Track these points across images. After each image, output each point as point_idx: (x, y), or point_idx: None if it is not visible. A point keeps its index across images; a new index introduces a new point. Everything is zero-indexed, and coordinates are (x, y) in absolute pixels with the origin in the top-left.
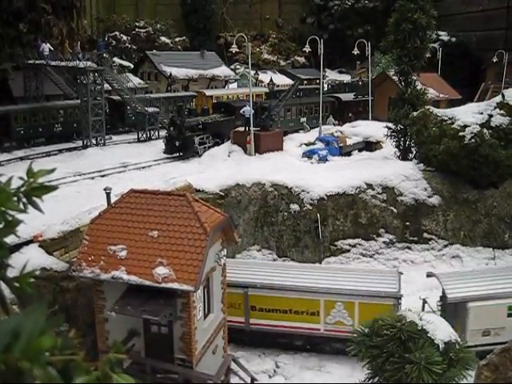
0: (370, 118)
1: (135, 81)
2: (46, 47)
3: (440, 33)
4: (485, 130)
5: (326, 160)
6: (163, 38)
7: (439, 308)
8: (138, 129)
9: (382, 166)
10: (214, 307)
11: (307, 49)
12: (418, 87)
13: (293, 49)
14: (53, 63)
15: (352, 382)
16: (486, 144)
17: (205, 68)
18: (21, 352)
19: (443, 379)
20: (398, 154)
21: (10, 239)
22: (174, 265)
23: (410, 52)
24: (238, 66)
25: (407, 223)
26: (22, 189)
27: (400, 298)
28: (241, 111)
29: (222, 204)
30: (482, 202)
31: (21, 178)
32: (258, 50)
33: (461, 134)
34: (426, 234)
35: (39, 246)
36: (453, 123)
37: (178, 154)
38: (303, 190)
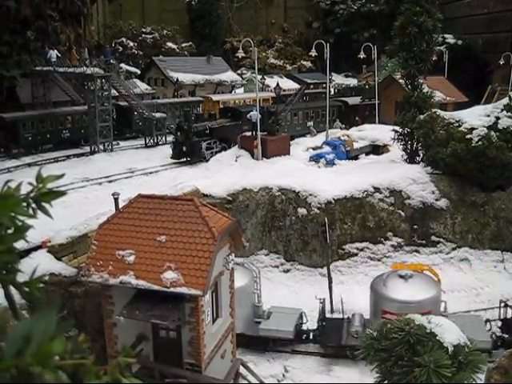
0: (377, 121)
1: (142, 86)
2: (54, 54)
3: (446, 36)
4: (492, 133)
5: (333, 164)
6: (170, 44)
7: None
8: (145, 134)
9: (389, 170)
10: (222, 311)
11: (313, 53)
12: (425, 90)
13: (299, 53)
14: (60, 70)
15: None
16: (493, 146)
17: (211, 73)
18: (32, 356)
19: (452, 382)
20: (405, 157)
21: (19, 244)
22: (183, 269)
23: (416, 55)
24: (244, 71)
25: (415, 226)
26: (32, 194)
27: None
28: (247, 116)
29: (229, 209)
30: (490, 205)
31: (30, 184)
32: (264, 54)
33: (468, 136)
34: (433, 237)
35: (48, 251)
36: (460, 126)
37: (185, 159)
38: (310, 194)
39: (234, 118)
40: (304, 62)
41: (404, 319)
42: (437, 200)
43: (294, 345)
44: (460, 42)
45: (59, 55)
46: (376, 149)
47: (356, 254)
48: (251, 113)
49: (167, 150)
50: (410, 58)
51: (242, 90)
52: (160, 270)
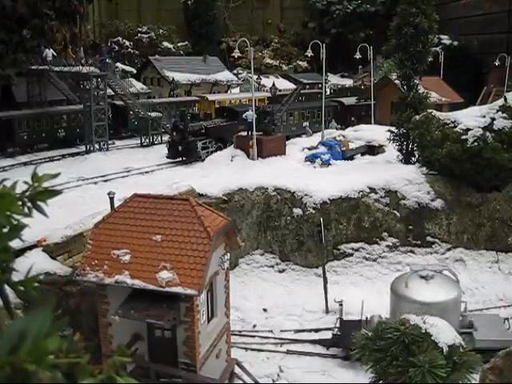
0: (373, 121)
1: (138, 86)
2: (50, 53)
3: (442, 36)
4: (487, 134)
5: (329, 164)
6: (166, 43)
7: None
8: (140, 134)
9: (384, 170)
10: (217, 311)
11: (309, 53)
12: (421, 91)
13: (295, 53)
14: (56, 69)
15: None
16: (488, 147)
17: (207, 73)
18: (27, 354)
19: (447, 382)
20: (401, 157)
21: (14, 243)
22: (178, 269)
23: (412, 56)
24: (240, 71)
25: (410, 227)
26: (27, 193)
27: None
28: (243, 116)
29: (225, 208)
30: (485, 206)
31: (26, 183)
32: (260, 54)
33: (463, 137)
34: (429, 238)
35: (43, 250)
36: (455, 127)
37: (180, 159)
38: (306, 194)
39: (229, 117)
40: (300, 62)
41: (399, 319)
42: (432, 200)
43: None
44: (456, 43)
45: (55, 54)
46: (372, 149)
47: (351, 255)
48: (247, 113)
49: (163, 150)
50: (406, 59)
51: (237, 89)
52: (155, 270)
